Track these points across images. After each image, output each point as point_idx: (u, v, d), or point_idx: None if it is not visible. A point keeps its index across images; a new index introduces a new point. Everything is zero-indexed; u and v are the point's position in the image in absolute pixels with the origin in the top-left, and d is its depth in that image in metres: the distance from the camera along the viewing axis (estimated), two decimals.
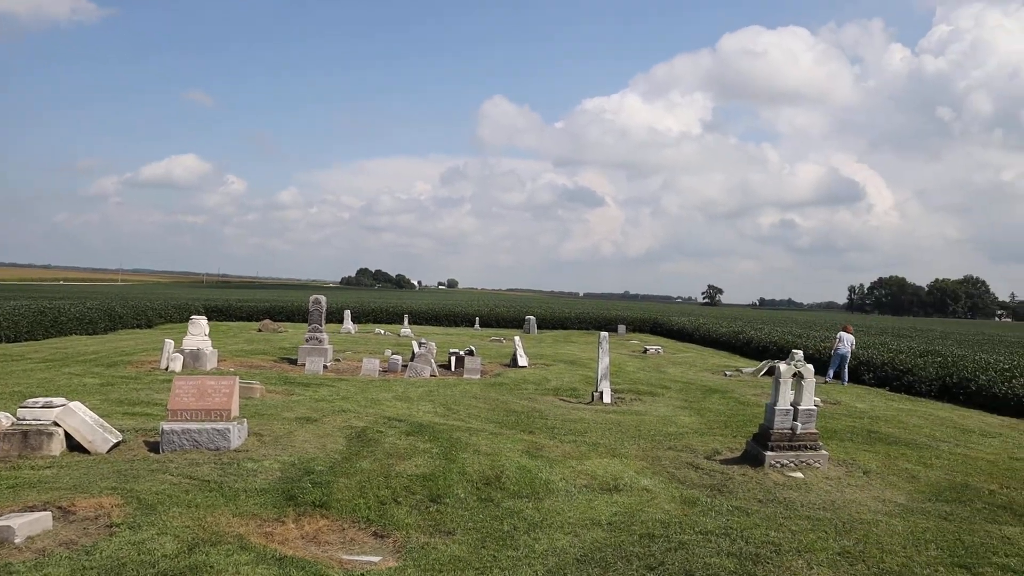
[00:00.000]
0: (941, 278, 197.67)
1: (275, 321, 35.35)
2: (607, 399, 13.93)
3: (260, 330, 30.94)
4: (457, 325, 40.96)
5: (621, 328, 39.40)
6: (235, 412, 8.80)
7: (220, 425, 8.36)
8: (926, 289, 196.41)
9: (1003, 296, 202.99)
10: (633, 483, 8.00)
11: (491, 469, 8.11)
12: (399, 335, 30.89)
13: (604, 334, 14.80)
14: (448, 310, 43.27)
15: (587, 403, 13.84)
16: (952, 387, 17.52)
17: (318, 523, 6.36)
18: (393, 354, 19.68)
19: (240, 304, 41.45)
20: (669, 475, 8.47)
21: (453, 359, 18.88)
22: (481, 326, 40.23)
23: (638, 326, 43.09)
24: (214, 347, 17.86)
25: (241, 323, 36.94)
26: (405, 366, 17.69)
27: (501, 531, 6.37)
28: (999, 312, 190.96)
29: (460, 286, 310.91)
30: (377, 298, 58.19)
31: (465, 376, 17.21)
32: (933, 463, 9.66)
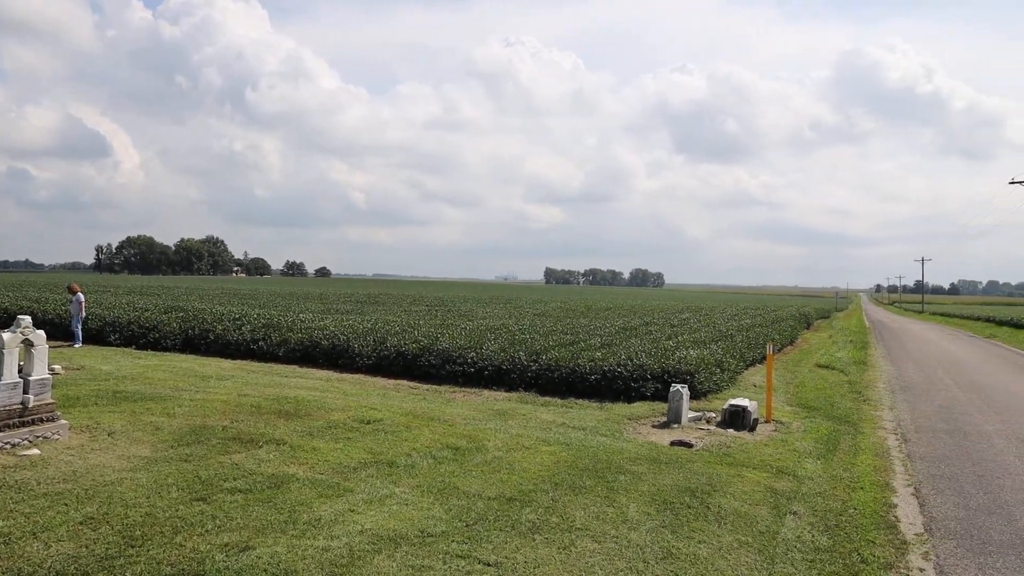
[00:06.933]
0: (187, 238, 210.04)
1: None
2: None
3: None
4: None
5: None
6: None
7: None
8: (173, 248, 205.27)
9: (238, 254, 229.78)
10: None
11: None
12: None
13: None
14: None
15: None
16: (194, 339, 18.91)
17: None
18: None
19: None
20: None
21: None
22: None
23: None
24: None
25: None
26: None
27: None
28: (235, 268, 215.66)
29: None
30: None
31: None
32: (176, 412, 10.23)
